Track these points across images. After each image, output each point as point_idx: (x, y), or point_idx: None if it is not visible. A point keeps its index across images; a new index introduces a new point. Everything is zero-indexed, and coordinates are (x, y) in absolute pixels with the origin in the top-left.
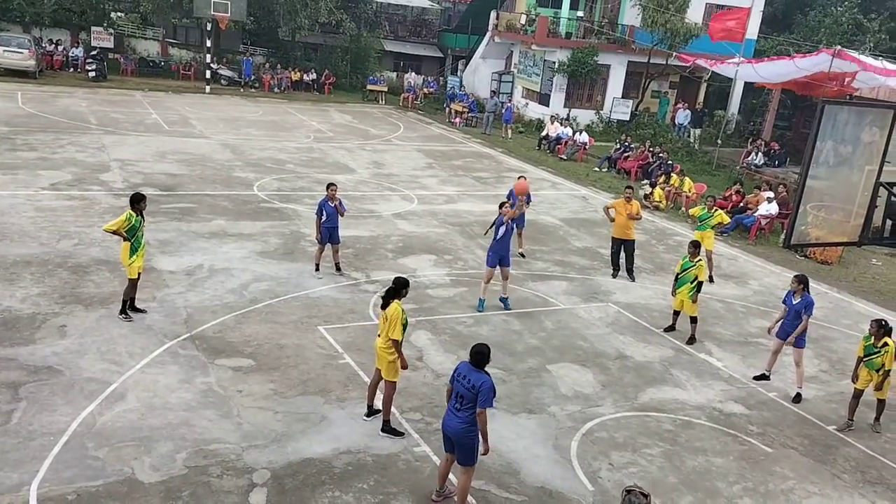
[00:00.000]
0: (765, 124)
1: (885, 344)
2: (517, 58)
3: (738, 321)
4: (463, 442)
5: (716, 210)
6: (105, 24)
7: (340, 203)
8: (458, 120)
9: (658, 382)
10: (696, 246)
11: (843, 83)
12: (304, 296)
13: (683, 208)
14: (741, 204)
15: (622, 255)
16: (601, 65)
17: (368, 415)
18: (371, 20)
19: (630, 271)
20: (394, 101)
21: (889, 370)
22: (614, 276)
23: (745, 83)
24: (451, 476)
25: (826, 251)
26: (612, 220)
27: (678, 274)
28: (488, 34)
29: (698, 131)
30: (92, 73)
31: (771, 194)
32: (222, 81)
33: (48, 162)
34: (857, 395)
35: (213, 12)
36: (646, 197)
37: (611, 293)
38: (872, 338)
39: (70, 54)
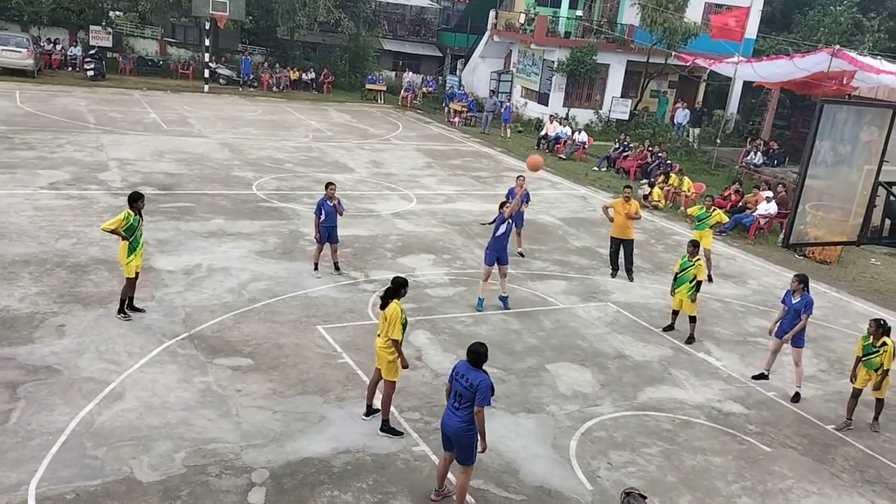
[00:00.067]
0: (764, 124)
1: (884, 343)
2: (516, 57)
3: (736, 321)
4: (462, 441)
5: (714, 210)
6: (103, 23)
7: (339, 202)
8: (457, 119)
9: (657, 382)
10: (694, 245)
11: (842, 82)
12: (302, 295)
13: (682, 208)
14: (740, 203)
15: (621, 254)
16: (600, 64)
17: (367, 414)
18: (370, 19)
19: (629, 271)
20: (392, 101)
21: (888, 370)
22: (613, 275)
23: (744, 83)
24: (450, 475)
25: (825, 251)
26: (611, 219)
27: (677, 273)
28: (487, 33)
29: (697, 131)
30: (90, 73)
31: (770, 194)
32: (221, 81)
33: (47, 161)
34: (856, 394)
35: (211, 11)
36: (645, 197)
37: (610, 293)
38: (871, 337)
39: (68, 53)
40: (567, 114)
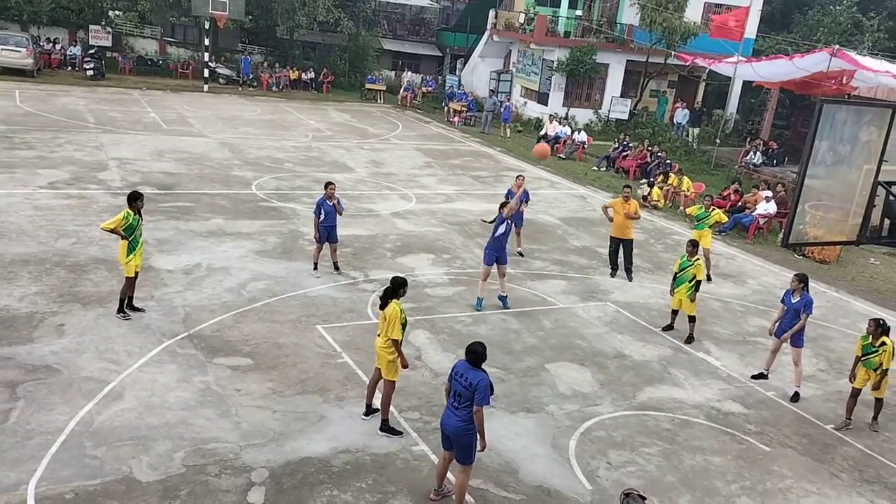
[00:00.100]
0: (763, 123)
1: (883, 343)
2: (516, 57)
3: (736, 320)
4: (461, 440)
5: (713, 209)
6: (103, 23)
7: (339, 202)
8: (456, 119)
9: (656, 381)
10: (694, 245)
11: (841, 82)
12: (302, 295)
13: (682, 207)
14: (739, 203)
15: (620, 254)
16: (600, 64)
17: (367, 414)
18: (369, 19)
19: (628, 271)
20: (392, 101)
21: (887, 369)
22: (612, 275)
23: (744, 82)
24: (449, 475)
25: (824, 250)
26: (611, 219)
27: (676, 273)
28: (487, 33)
29: (697, 130)
30: (90, 72)
31: (769, 193)
32: (220, 80)
33: (46, 161)
34: (855, 394)
35: (211, 11)
36: (644, 198)
37: (609, 292)
38: (870, 337)
39: (68, 53)
40: (566, 113)
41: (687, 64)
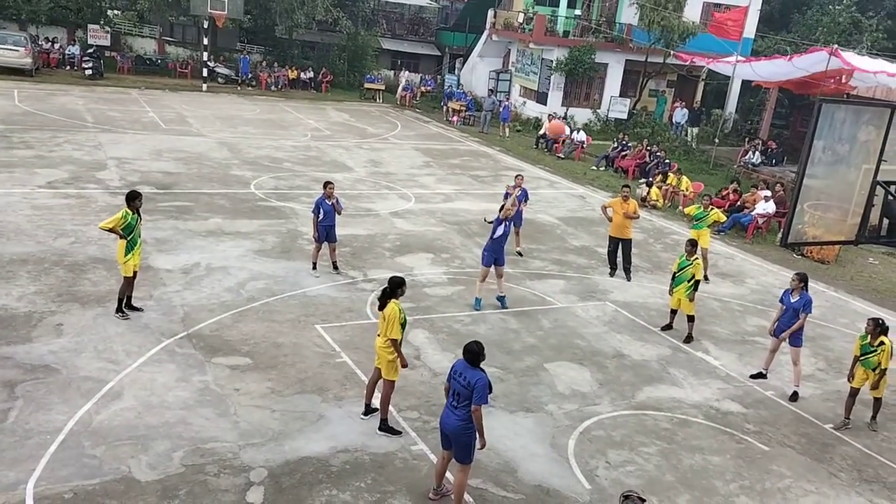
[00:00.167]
0: (762, 123)
1: (882, 343)
2: (515, 56)
3: (735, 320)
4: (460, 439)
5: (712, 209)
6: (102, 22)
7: (338, 201)
8: (455, 118)
9: (655, 381)
10: (693, 245)
11: (840, 81)
12: (301, 294)
13: (680, 207)
14: (738, 203)
15: (619, 253)
16: (599, 63)
17: (366, 413)
18: (368, 18)
19: (627, 270)
20: (391, 100)
21: (885, 369)
22: (611, 274)
23: (743, 82)
24: (448, 474)
25: (823, 250)
26: (610, 219)
27: (675, 273)
28: (486, 32)
29: (696, 130)
30: (88, 71)
31: (768, 193)
32: (219, 79)
33: (45, 160)
34: (854, 393)
35: (210, 10)
36: (643, 199)
37: (608, 292)
38: (869, 336)
39: (66, 52)
40: (566, 113)
41: (686, 63)
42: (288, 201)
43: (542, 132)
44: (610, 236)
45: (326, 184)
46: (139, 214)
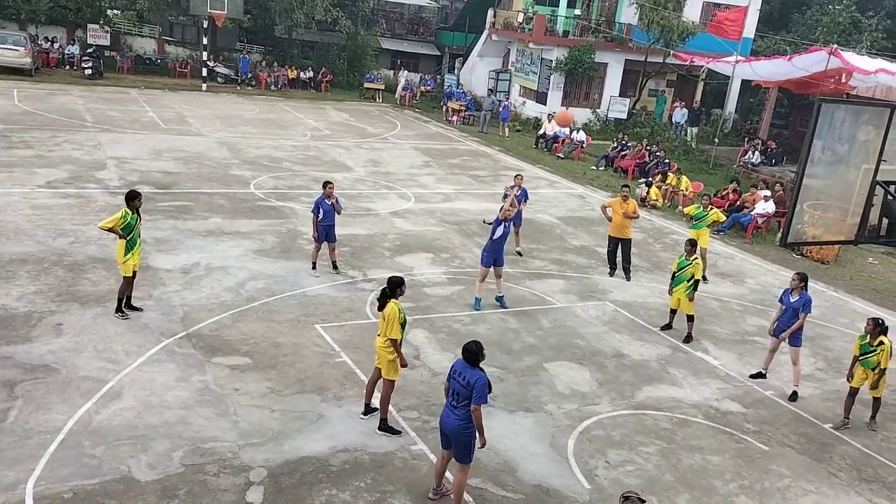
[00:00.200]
0: (762, 123)
1: (881, 343)
2: (514, 56)
3: (734, 319)
4: (460, 438)
5: (711, 209)
6: (101, 22)
7: (337, 201)
8: (455, 118)
9: (655, 381)
10: (692, 244)
11: (840, 80)
12: (300, 294)
13: (680, 207)
14: (738, 202)
15: (619, 253)
16: (598, 63)
17: (365, 413)
18: (368, 18)
19: (626, 270)
20: (391, 100)
21: (885, 369)
22: (611, 274)
23: (743, 82)
24: (447, 474)
25: (822, 250)
26: (610, 219)
27: (675, 272)
28: (485, 32)
29: (695, 130)
30: (88, 71)
31: (767, 193)
32: (219, 79)
33: (44, 160)
34: (853, 393)
35: (209, 10)
36: (643, 199)
37: (608, 292)
38: (868, 336)
39: (66, 52)
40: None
41: (685, 63)
42: (287, 201)
43: (541, 132)
44: (609, 236)
45: (326, 183)
46: (139, 214)
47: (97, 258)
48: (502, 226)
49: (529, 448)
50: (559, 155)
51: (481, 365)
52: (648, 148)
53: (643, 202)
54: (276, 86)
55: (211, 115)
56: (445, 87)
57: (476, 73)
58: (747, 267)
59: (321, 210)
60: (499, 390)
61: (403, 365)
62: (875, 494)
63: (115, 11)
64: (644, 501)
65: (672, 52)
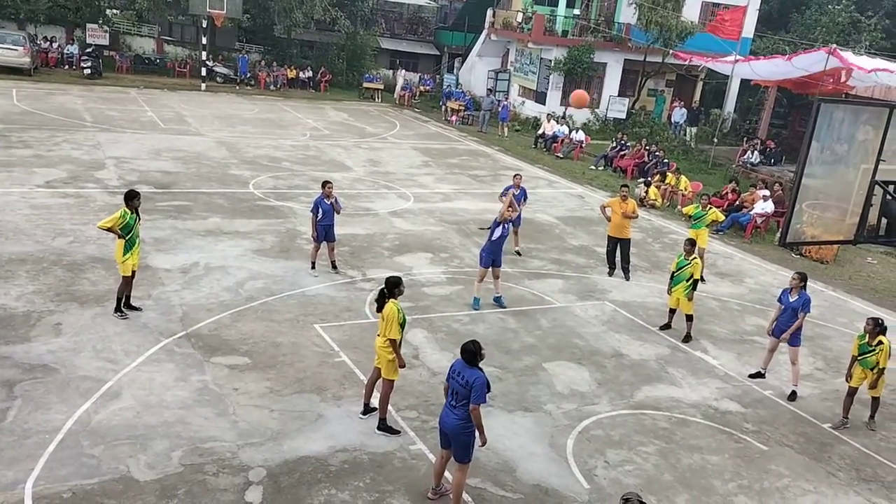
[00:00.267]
0: (761, 122)
1: (880, 342)
2: (514, 56)
3: (733, 319)
4: (459, 438)
5: (710, 208)
6: (100, 22)
7: (336, 201)
8: (454, 118)
9: (654, 380)
10: (691, 244)
11: (839, 80)
12: (300, 294)
13: (679, 206)
14: (737, 202)
15: (618, 253)
16: (597, 63)
17: (365, 413)
18: (367, 17)
19: (626, 270)
20: (390, 99)
21: (883, 368)
22: (610, 274)
23: (742, 82)
24: (447, 474)
25: (821, 249)
26: (609, 218)
27: (674, 272)
28: (485, 32)
29: (694, 130)
30: (87, 71)
31: (766, 192)
32: (218, 79)
33: (43, 159)
34: (852, 393)
35: (208, 9)
36: (642, 198)
37: (607, 291)
38: (867, 336)
39: (65, 51)
40: (564, 112)
41: (685, 63)
42: (287, 201)
43: (540, 132)
44: (609, 236)
45: (325, 183)
46: (138, 214)
47: (96, 258)
48: (501, 227)
49: (528, 448)
50: (558, 155)
51: (480, 365)
52: (647, 148)
53: (642, 202)
54: (276, 85)
55: (210, 114)
56: (444, 87)
57: (475, 73)
58: (746, 267)
59: (320, 210)
60: (498, 390)
61: (401, 366)
62: (874, 494)
63: (115, 11)
64: (644, 503)
65: (671, 51)
